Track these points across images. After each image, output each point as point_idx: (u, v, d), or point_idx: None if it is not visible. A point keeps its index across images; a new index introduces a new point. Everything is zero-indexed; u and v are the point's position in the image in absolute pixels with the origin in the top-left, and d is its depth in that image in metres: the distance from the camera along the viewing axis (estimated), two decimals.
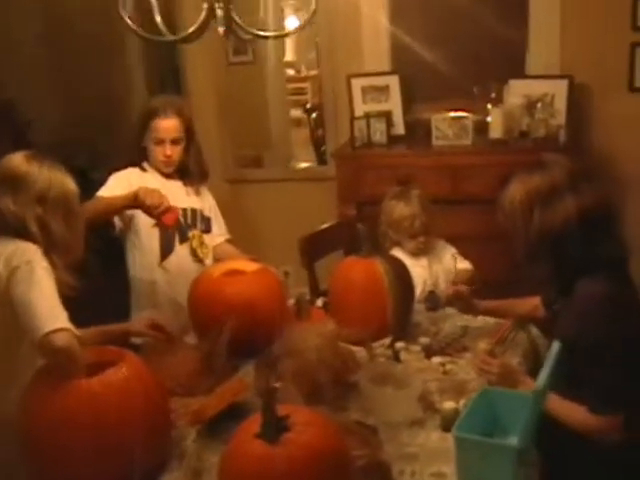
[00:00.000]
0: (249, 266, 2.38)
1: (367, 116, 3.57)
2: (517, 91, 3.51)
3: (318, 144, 4.94)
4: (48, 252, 1.77)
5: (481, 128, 3.46)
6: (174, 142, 2.60)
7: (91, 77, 4.50)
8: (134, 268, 2.67)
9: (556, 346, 1.60)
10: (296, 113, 5.56)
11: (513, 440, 1.49)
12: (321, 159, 4.68)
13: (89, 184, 3.27)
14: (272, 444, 1.28)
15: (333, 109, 3.95)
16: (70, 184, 1.88)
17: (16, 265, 1.69)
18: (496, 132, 3.38)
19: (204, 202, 2.75)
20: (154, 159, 2.63)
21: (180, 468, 1.67)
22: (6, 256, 1.73)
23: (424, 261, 2.68)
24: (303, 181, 4.12)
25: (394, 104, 3.65)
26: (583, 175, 1.86)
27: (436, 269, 2.69)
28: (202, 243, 2.70)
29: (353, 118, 3.60)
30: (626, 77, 3.55)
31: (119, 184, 2.56)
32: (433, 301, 2.45)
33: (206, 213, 2.74)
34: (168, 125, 2.57)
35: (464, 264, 2.69)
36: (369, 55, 3.75)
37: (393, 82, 3.63)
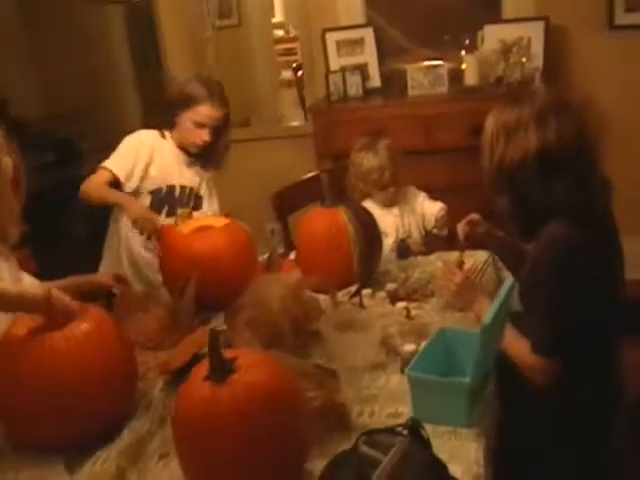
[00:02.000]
0: (218, 222, 2.40)
1: (342, 70, 3.56)
2: (492, 36, 3.49)
3: (304, 102, 4.93)
4: None
5: (457, 76, 3.44)
6: (214, 129, 2.62)
7: (73, 53, 4.48)
8: (116, 230, 2.70)
9: (508, 282, 1.62)
10: (287, 74, 5.53)
11: (464, 378, 1.52)
12: (306, 117, 4.66)
13: (77, 155, 3.29)
14: (218, 385, 1.31)
15: (311, 65, 3.92)
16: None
17: None
18: (471, 79, 3.37)
19: (202, 181, 2.77)
20: (186, 138, 2.64)
21: (147, 416, 1.71)
22: None
23: (395, 210, 2.70)
24: (286, 139, 4.12)
25: (369, 57, 3.63)
26: (557, 109, 1.75)
27: (408, 217, 2.70)
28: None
29: (328, 72, 3.59)
30: (605, 16, 3.51)
31: (127, 156, 2.58)
32: (403, 249, 2.48)
33: (201, 192, 2.76)
34: (214, 113, 2.59)
35: (437, 205, 2.69)
36: (343, 9, 3.72)
37: (368, 35, 3.61)
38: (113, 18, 4.60)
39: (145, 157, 2.60)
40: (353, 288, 2.19)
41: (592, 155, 1.77)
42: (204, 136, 2.61)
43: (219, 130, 2.65)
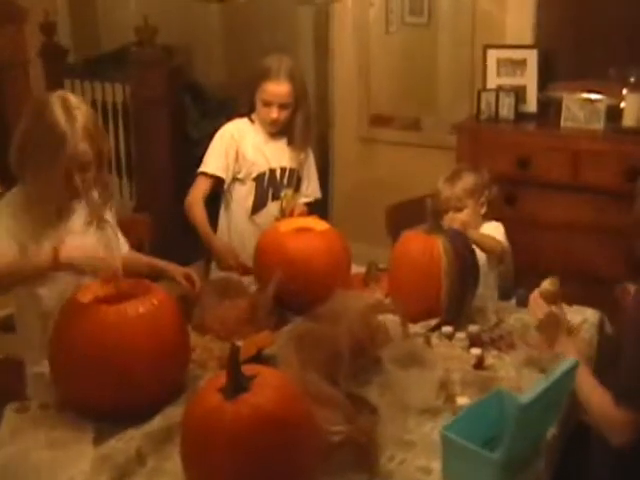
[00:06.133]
0: (319, 225, 2.38)
1: (497, 89, 3.39)
2: None
3: None
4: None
5: (615, 114, 3.16)
6: (282, 106, 2.60)
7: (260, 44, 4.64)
8: (226, 218, 2.75)
9: (570, 362, 1.46)
10: None
11: (499, 451, 1.39)
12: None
13: None
14: (227, 400, 1.29)
15: (469, 78, 3.76)
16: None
17: None
18: (630, 120, 3.08)
19: (303, 161, 2.76)
20: (260, 117, 2.66)
21: (184, 404, 1.72)
22: None
23: None
24: (429, 148, 3.99)
25: (529, 79, 3.41)
26: None
27: None
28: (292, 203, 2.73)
29: (482, 90, 3.43)
30: None
31: (218, 153, 2.63)
32: (522, 297, 2.30)
33: (302, 173, 2.76)
34: (278, 90, 2.57)
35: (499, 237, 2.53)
36: (510, 26, 3.54)
37: (531, 57, 3.39)
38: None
39: (232, 147, 2.62)
40: (433, 321, 2.08)
41: None
42: (272, 113, 2.58)
43: (289, 106, 2.60)
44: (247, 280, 2.40)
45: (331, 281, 2.18)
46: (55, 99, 1.91)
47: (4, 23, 3.95)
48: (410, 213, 2.80)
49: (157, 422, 1.65)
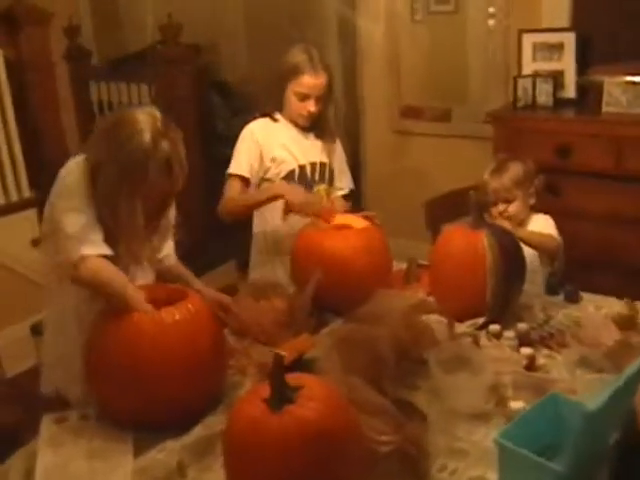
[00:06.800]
0: (358, 223, 2.30)
1: (534, 75, 3.27)
2: None
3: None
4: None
5: None
6: (318, 98, 2.53)
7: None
8: (260, 221, 2.67)
9: (637, 365, 1.36)
10: None
11: (560, 462, 1.30)
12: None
13: None
14: (272, 411, 1.22)
15: (503, 64, 3.65)
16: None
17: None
18: None
19: (333, 155, 2.68)
20: (293, 112, 2.56)
21: (225, 414, 1.66)
22: None
23: None
24: (462, 138, 3.89)
25: (567, 64, 3.29)
26: None
27: None
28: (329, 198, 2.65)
29: (518, 76, 3.32)
30: None
31: (244, 153, 2.54)
32: (552, 284, 2.23)
33: (334, 166, 2.68)
34: (317, 82, 2.49)
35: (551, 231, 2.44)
36: (547, 9, 3.41)
37: (569, 40, 3.27)
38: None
39: (256, 149, 2.53)
40: (480, 320, 1.99)
41: None
42: (310, 107, 2.49)
43: (324, 98, 2.52)
44: (285, 280, 2.34)
45: (371, 280, 2.11)
46: (146, 125, 1.69)
47: (30, 27, 3.95)
48: (450, 206, 2.71)
49: (197, 432, 1.60)
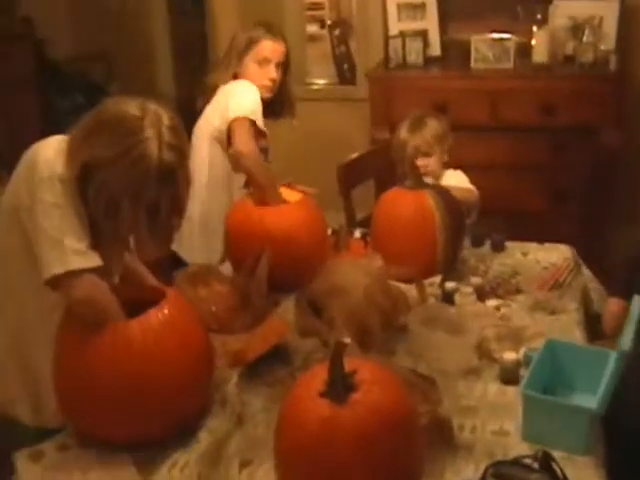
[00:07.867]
0: (291, 196, 2.23)
1: (402, 35, 3.34)
2: (562, 12, 3.27)
3: (340, 62, 4.69)
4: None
5: (524, 51, 3.24)
6: (278, 65, 2.44)
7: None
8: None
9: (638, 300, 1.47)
10: (311, 29, 5.28)
11: (591, 402, 1.37)
12: (343, 77, 4.42)
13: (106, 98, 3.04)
14: (338, 404, 1.16)
15: (363, 26, 3.69)
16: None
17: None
18: (540, 56, 3.17)
19: None
20: (254, 81, 2.42)
21: (224, 414, 1.56)
22: None
23: None
24: (324, 101, 3.91)
25: (430, 23, 3.40)
26: None
27: None
28: None
29: (388, 37, 3.37)
30: None
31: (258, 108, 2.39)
32: (477, 236, 2.32)
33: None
34: (277, 47, 2.43)
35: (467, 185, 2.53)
36: None
37: None
38: None
39: (259, 107, 2.41)
40: (436, 279, 2.03)
41: None
42: (271, 73, 2.43)
43: (282, 68, 2.47)
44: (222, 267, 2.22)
45: (314, 253, 2.08)
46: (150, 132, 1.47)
47: None
48: (360, 170, 2.72)
49: (205, 440, 1.48)
